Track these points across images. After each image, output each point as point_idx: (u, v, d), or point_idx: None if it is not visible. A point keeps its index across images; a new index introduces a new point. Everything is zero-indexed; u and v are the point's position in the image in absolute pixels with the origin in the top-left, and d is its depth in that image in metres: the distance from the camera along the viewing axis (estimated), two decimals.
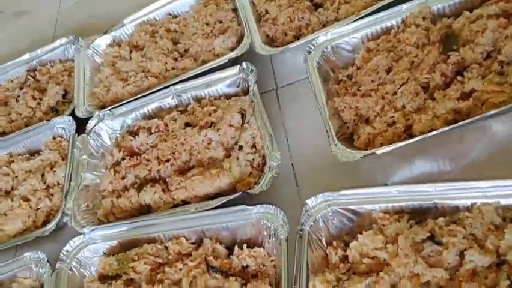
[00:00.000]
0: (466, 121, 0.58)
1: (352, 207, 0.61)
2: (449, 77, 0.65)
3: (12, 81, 1.12)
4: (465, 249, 0.51)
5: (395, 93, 0.67)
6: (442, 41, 0.67)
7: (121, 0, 1.18)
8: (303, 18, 0.83)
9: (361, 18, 0.76)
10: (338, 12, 0.80)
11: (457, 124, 0.59)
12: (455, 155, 0.64)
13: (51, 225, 0.80)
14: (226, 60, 0.83)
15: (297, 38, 0.83)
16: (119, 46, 1.00)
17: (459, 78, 0.64)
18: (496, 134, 0.63)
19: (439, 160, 0.65)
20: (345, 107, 0.70)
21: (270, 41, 0.86)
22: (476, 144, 0.64)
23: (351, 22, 0.76)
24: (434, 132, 0.60)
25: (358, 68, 0.74)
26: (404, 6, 0.73)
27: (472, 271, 0.50)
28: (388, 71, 0.71)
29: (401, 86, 0.67)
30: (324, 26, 0.81)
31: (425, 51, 0.68)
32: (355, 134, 0.69)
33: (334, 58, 0.77)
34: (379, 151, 0.62)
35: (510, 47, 0.61)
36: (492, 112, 0.57)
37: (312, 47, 0.77)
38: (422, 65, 0.67)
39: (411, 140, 0.61)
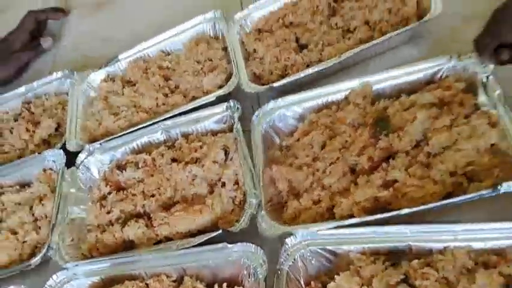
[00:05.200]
0: (378, 216, 0.59)
1: (330, 247, 0.62)
2: (376, 162, 0.64)
3: (7, 113, 1.14)
4: None
5: (324, 171, 0.68)
6: (375, 124, 0.68)
7: (120, 36, 1.23)
8: (288, 58, 0.86)
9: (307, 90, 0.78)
10: (321, 54, 0.83)
11: (369, 218, 0.59)
12: None
13: (36, 259, 0.80)
14: (214, 98, 0.85)
15: (282, 77, 0.86)
16: (113, 81, 1.03)
17: (384, 165, 0.64)
18: None
19: None
20: (280, 177, 0.71)
21: (257, 79, 0.89)
22: None
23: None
24: (347, 222, 0.61)
25: (298, 140, 0.75)
26: (348, 83, 0.75)
27: None
28: (323, 147, 0.71)
29: (330, 164, 0.68)
30: (308, 66, 0.84)
31: (358, 132, 0.69)
32: (285, 206, 0.69)
33: (280, 125, 0.79)
34: (297, 232, 0.63)
35: (437, 139, 0.61)
36: (404, 211, 0.57)
37: (261, 112, 0.79)
38: (352, 147, 0.67)
39: (325, 225, 0.62)
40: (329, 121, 0.74)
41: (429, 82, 0.71)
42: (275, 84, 0.81)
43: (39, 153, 0.96)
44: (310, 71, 0.80)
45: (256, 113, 0.79)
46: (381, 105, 0.70)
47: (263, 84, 0.85)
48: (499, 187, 0.54)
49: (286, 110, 0.79)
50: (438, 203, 0.57)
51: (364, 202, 0.62)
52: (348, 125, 0.71)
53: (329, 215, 0.65)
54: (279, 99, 0.79)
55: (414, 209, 0.57)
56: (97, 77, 1.06)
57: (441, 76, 0.70)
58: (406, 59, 0.80)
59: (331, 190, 0.66)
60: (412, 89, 0.71)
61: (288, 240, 0.63)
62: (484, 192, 0.55)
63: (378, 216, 0.59)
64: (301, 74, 0.80)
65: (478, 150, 0.60)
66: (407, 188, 0.60)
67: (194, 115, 0.86)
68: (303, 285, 0.62)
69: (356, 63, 0.84)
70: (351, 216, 0.62)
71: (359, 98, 0.73)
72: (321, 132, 0.72)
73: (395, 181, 0.62)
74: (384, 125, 0.67)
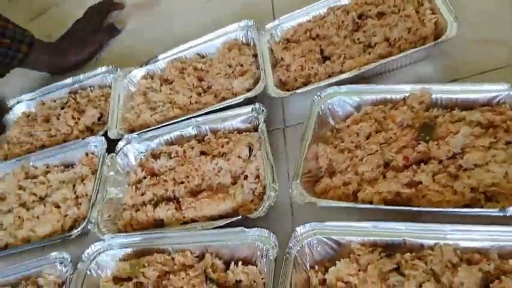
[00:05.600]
0: (397, 208, 0.66)
1: (334, 237, 0.70)
2: (410, 162, 0.70)
3: (55, 101, 1.27)
4: (423, 282, 0.59)
5: (361, 159, 0.75)
6: (420, 129, 0.73)
7: (160, 36, 1.33)
8: (312, 68, 0.95)
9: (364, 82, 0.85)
10: (342, 66, 0.91)
11: (387, 207, 0.67)
12: None
13: (77, 230, 0.91)
14: (242, 99, 0.95)
15: (305, 84, 0.94)
16: (152, 79, 1.13)
17: (414, 167, 0.69)
18: None
19: None
20: (323, 154, 0.79)
21: (283, 85, 0.97)
22: None
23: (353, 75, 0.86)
24: (363, 206, 0.69)
25: (348, 126, 0.82)
26: (409, 86, 0.79)
27: None
28: (368, 137, 0.78)
29: (368, 155, 0.75)
30: (329, 76, 0.92)
31: (403, 132, 0.74)
32: (319, 181, 0.77)
33: (338, 109, 0.86)
34: (319, 203, 0.71)
35: (473, 155, 0.65)
36: (421, 209, 0.64)
37: (322, 94, 0.86)
38: (393, 144, 0.73)
39: (344, 204, 0.70)
40: (381, 116, 0.79)
41: (485, 104, 0.72)
42: (298, 91, 0.90)
43: (83, 138, 1.08)
44: (331, 80, 0.88)
45: (318, 93, 0.86)
46: (433, 113, 0.74)
47: (287, 90, 0.94)
48: (506, 209, 0.59)
49: (347, 97, 0.85)
50: (449, 210, 0.63)
51: (386, 193, 0.68)
52: (397, 123, 0.76)
53: (353, 198, 0.72)
54: (343, 86, 0.85)
55: (422, 209, 0.64)
56: (137, 73, 1.17)
57: (498, 101, 0.71)
58: (422, 75, 0.87)
59: (362, 177, 0.73)
60: (467, 106, 0.74)
61: (298, 228, 0.72)
62: (491, 210, 0.60)
63: (391, 207, 0.66)
64: (323, 83, 0.89)
65: (506, 175, 0.62)
66: (428, 190, 0.66)
67: (223, 114, 0.96)
68: (308, 268, 0.70)
69: (374, 76, 0.92)
70: (371, 203, 0.69)
71: (415, 102, 0.77)
72: (370, 124, 0.78)
73: (420, 183, 0.67)
74: (428, 132, 0.71)
